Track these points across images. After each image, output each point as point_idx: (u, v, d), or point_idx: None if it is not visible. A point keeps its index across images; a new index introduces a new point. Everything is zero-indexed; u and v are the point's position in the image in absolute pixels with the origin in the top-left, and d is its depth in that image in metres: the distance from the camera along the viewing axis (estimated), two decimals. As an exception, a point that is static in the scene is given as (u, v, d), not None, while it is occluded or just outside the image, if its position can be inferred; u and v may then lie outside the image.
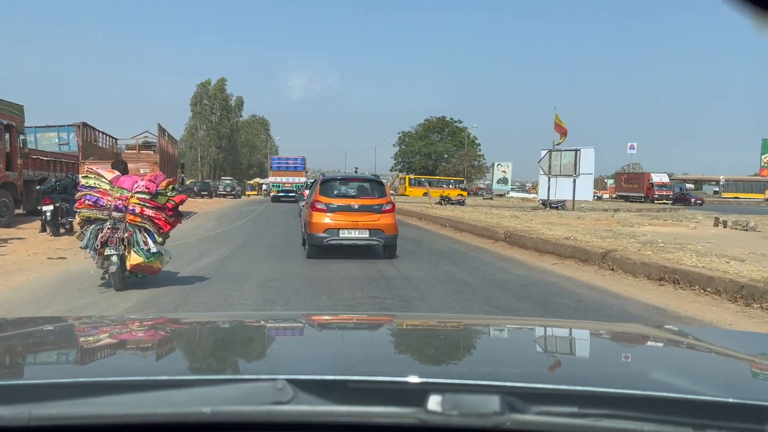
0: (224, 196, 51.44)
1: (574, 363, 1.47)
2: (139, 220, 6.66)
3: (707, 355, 1.56)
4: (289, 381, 0.90)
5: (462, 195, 47.75)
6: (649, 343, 1.73)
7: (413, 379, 0.99)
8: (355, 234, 9.72)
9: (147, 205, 6.70)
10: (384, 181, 12.24)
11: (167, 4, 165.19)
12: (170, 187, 6.97)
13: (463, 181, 61.96)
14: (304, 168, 40.85)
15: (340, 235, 9.68)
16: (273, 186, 40.47)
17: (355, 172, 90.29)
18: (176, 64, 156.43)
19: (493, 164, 54.97)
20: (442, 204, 31.72)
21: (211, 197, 46.56)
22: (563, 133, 26.99)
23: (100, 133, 19.70)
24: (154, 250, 6.66)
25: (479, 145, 78.32)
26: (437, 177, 62.21)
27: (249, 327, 1.88)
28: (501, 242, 12.99)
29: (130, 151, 20.33)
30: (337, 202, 9.91)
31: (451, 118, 79.99)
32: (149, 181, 6.85)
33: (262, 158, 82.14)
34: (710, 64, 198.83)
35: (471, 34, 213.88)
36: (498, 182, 54.40)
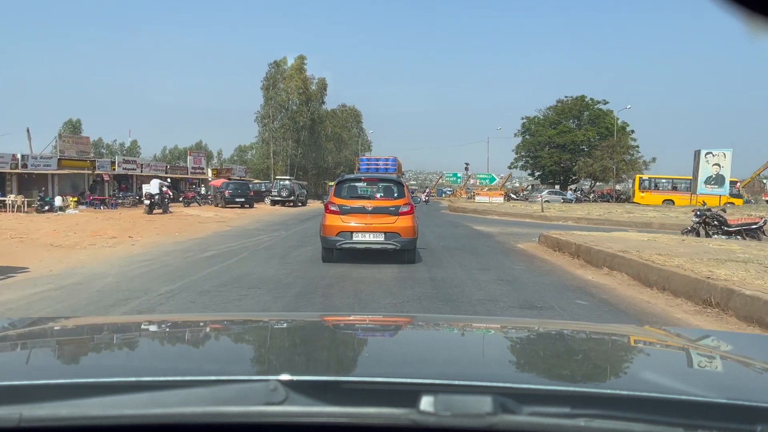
0: (282, 203, 36.20)
1: (566, 364, 1.45)
2: None
3: (699, 356, 1.55)
4: (282, 382, 0.91)
5: (733, 203, 28.84)
6: (640, 344, 1.72)
7: (406, 379, 0.99)
8: (369, 237, 9.29)
9: None
10: (405, 182, 10.35)
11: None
12: None
13: (736, 182, 40.85)
14: (396, 170, 29.14)
15: (354, 239, 9.28)
16: None
17: (466, 169, 72.49)
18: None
19: (697, 152, 31.83)
20: (696, 232, 14.03)
21: (251, 206, 31.15)
22: None
23: None
24: None
25: (632, 132, 58.06)
26: (683, 177, 40.62)
27: (242, 328, 1.87)
28: None
29: None
30: (350, 204, 9.53)
31: (592, 99, 60.56)
32: None
33: (351, 155, 67.34)
34: None
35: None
36: (706, 183, 31.23)
